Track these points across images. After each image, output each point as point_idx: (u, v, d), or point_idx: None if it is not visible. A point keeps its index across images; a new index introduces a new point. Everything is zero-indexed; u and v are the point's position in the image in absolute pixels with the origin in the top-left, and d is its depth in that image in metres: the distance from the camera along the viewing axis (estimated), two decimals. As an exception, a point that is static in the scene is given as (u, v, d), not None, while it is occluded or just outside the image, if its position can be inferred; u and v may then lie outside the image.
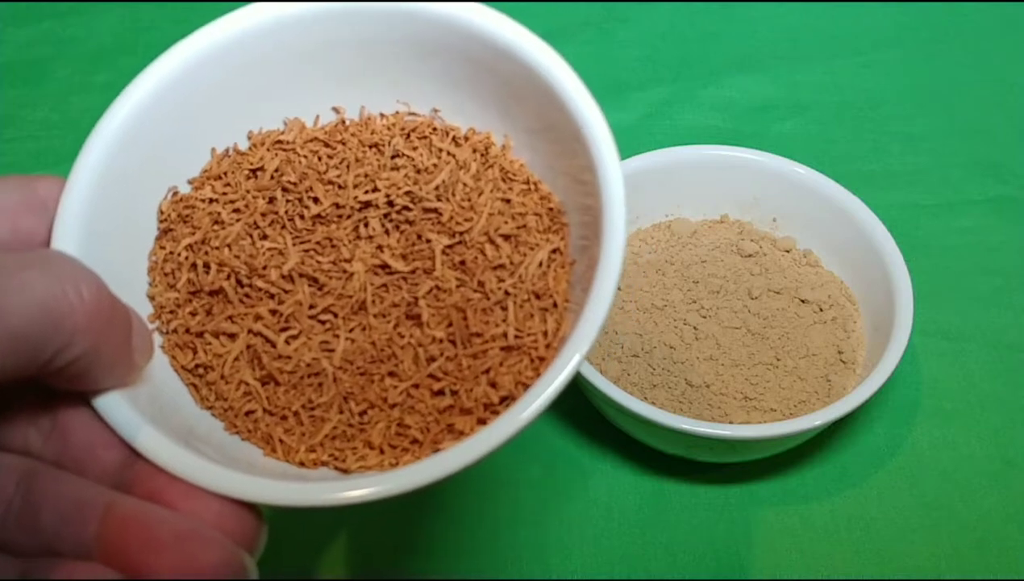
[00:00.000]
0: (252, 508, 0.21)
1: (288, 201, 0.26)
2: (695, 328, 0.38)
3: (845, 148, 0.49)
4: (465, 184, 0.26)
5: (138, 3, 0.57)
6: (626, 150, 0.28)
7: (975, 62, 0.53)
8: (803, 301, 0.39)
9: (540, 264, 0.25)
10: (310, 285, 0.25)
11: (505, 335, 0.24)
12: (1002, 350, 0.41)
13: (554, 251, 0.25)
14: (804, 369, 0.37)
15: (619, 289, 0.40)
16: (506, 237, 0.25)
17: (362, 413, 0.24)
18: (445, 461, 0.21)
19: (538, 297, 0.24)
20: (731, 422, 0.35)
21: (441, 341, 0.24)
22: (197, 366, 0.25)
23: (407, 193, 0.26)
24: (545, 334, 0.24)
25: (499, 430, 0.21)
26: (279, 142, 0.27)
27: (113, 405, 0.22)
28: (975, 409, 0.39)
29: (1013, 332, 0.41)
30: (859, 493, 0.37)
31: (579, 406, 0.38)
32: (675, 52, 0.54)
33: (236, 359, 0.25)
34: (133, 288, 0.25)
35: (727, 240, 0.41)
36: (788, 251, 0.41)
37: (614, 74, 0.53)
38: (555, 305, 0.24)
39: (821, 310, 0.38)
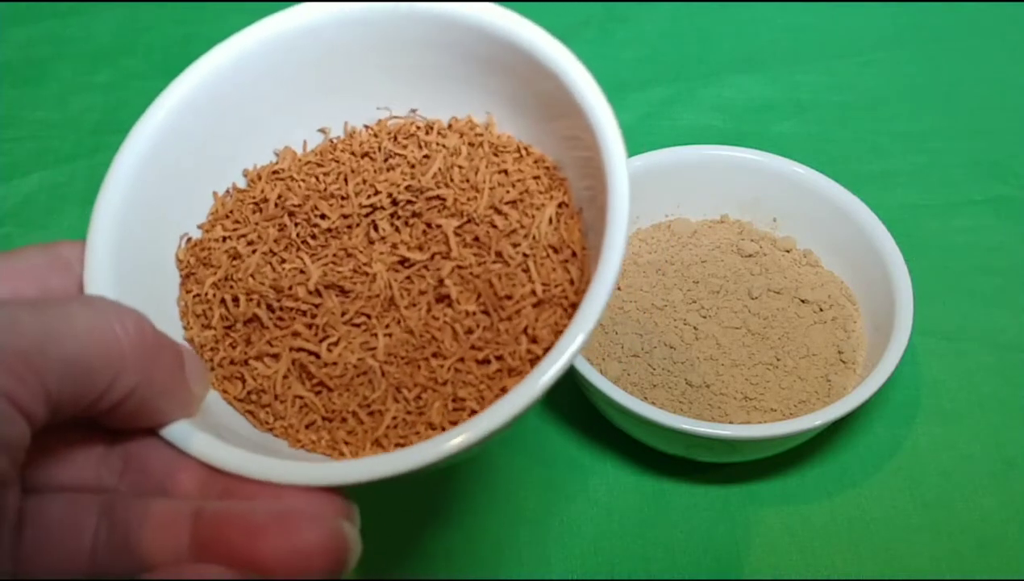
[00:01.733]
0: (339, 494, 0.22)
1: (297, 224, 0.27)
2: (695, 328, 0.38)
3: (845, 148, 0.49)
4: (460, 167, 0.27)
5: (138, 3, 0.57)
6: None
7: (975, 62, 0.53)
8: (803, 301, 0.39)
9: (550, 220, 0.25)
10: (337, 294, 0.26)
11: (534, 292, 0.24)
12: (1002, 350, 0.41)
13: (560, 205, 0.26)
14: (804, 369, 0.37)
15: (619, 288, 0.40)
16: (511, 204, 0.26)
17: (417, 398, 0.24)
18: (524, 392, 0.21)
19: (556, 251, 0.25)
20: (731, 422, 0.35)
21: (474, 313, 0.25)
22: (249, 393, 0.25)
23: (407, 187, 0.26)
24: (571, 282, 0.25)
25: (550, 365, 0.22)
26: (275, 173, 0.28)
27: (181, 430, 0.22)
28: (975, 409, 0.39)
29: (1013, 332, 0.41)
30: (859, 493, 0.37)
31: (579, 406, 0.39)
32: (675, 52, 0.54)
33: (285, 377, 0.25)
34: (169, 334, 0.25)
35: (727, 240, 0.41)
36: (788, 251, 0.41)
37: (614, 74, 0.53)
38: (574, 254, 0.25)
39: (821, 310, 0.38)
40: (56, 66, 0.54)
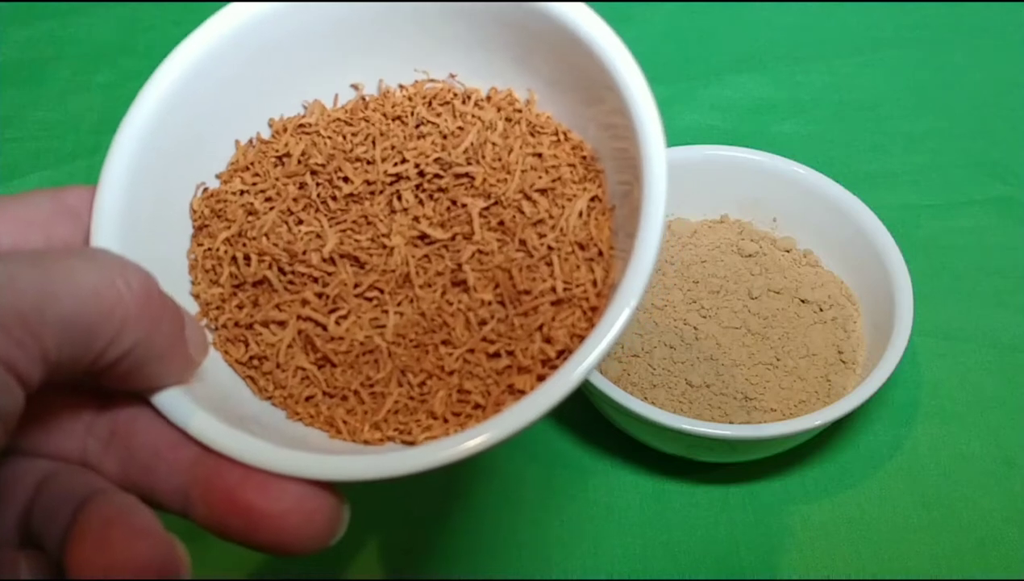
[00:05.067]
0: (332, 489, 0.21)
1: (319, 184, 0.26)
2: (695, 328, 0.38)
3: (845, 148, 0.49)
4: (494, 144, 0.26)
5: (138, 3, 0.57)
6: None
7: (975, 62, 0.53)
8: (803, 301, 0.39)
9: (580, 214, 0.25)
10: (352, 264, 0.25)
11: (554, 289, 0.24)
12: (1002, 350, 0.41)
13: (592, 199, 0.25)
14: (804, 369, 0.37)
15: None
16: (542, 191, 0.25)
17: (421, 384, 0.24)
18: (534, 403, 0.21)
19: (582, 247, 0.24)
20: (731, 422, 0.35)
21: (490, 303, 0.24)
22: (251, 358, 0.25)
23: (436, 160, 0.26)
24: (594, 283, 0.24)
25: (569, 374, 0.21)
26: (301, 126, 0.27)
27: (173, 400, 0.21)
28: (975, 409, 0.39)
29: (1013, 332, 0.41)
30: (859, 493, 0.37)
31: (579, 406, 0.38)
32: (675, 52, 0.54)
33: (289, 346, 0.25)
34: (176, 289, 0.25)
35: (727, 240, 0.41)
36: (788, 251, 0.41)
37: (614, 74, 0.53)
38: (600, 253, 0.24)
39: (821, 310, 0.38)
40: (56, 66, 0.54)
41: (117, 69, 0.53)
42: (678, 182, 0.41)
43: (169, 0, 0.56)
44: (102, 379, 0.20)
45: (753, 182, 0.41)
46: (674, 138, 0.48)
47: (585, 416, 0.39)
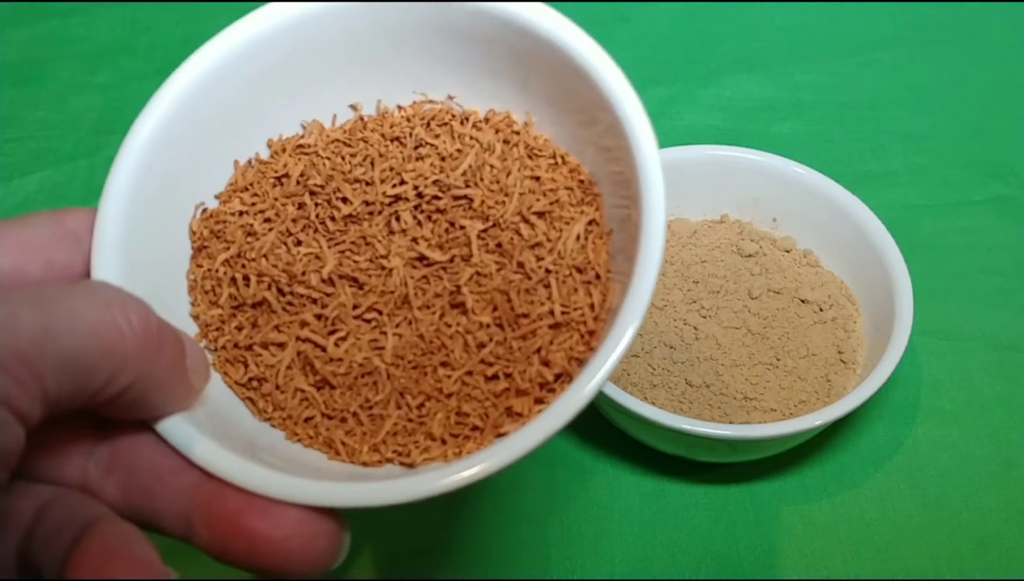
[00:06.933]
0: (333, 514, 0.21)
1: (318, 204, 0.26)
2: (695, 328, 0.38)
3: (845, 148, 0.49)
4: (492, 166, 0.26)
5: (138, 3, 0.57)
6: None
7: (975, 62, 0.53)
8: (803, 301, 0.39)
9: (578, 237, 0.25)
10: (351, 285, 0.25)
11: (552, 313, 0.24)
12: (1002, 350, 0.41)
13: (590, 223, 0.25)
14: (804, 369, 0.37)
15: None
16: (540, 214, 0.25)
17: (420, 406, 0.24)
18: (536, 430, 0.21)
19: (580, 271, 0.24)
20: (731, 422, 0.35)
21: (488, 326, 0.24)
22: (250, 379, 0.25)
23: (435, 182, 0.26)
24: (592, 307, 0.24)
25: (571, 400, 0.22)
26: (300, 146, 0.27)
27: (176, 427, 0.22)
28: (975, 409, 0.39)
29: (1013, 332, 0.41)
30: (859, 493, 0.37)
31: (579, 406, 0.38)
32: (675, 52, 0.54)
33: (288, 367, 0.25)
34: (176, 310, 0.25)
35: (727, 240, 0.41)
36: (788, 251, 0.41)
37: (614, 74, 0.53)
38: (598, 277, 0.24)
39: (821, 310, 0.38)
40: (56, 66, 0.54)
41: (117, 69, 0.53)
42: (678, 182, 0.42)
43: (169, 0, 0.56)
44: (103, 411, 0.20)
45: (753, 182, 0.41)
46: (674, 138, 0.48)
47: (585, 416, 0.39)
